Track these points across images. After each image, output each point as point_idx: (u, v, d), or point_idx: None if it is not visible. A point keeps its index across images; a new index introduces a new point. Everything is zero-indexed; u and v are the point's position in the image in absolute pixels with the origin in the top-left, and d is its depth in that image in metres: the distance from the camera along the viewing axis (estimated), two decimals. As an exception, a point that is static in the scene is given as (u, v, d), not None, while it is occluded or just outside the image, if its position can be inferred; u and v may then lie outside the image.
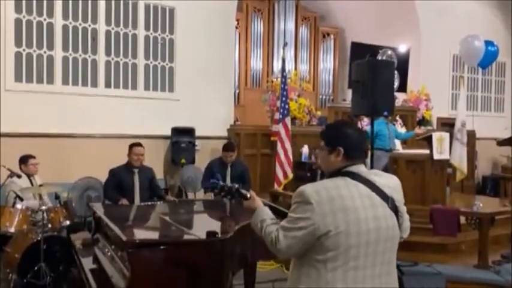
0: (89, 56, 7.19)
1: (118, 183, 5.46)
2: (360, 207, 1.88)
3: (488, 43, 8.82)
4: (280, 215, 2.27)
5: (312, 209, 1.86)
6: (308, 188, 1.91)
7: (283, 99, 7.19)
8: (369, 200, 1.92)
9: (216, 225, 4.14)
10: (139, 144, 5.57)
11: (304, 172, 7.49)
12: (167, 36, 7.84)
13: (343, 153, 1.99)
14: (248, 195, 2.28)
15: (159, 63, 7.79)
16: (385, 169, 6.68)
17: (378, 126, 6.32)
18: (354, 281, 1.86)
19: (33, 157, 5.74)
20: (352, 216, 1.86)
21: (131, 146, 5.56)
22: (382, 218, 1.92)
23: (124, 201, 5.18)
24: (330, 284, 1.85)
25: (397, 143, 7.75)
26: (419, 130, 7.77)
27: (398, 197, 2.03)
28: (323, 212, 1.85)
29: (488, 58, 8.93)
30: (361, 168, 2.00)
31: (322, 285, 1.86)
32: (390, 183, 2.03)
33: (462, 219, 5.54)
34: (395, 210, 1.97)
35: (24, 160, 5.68)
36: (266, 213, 2.15)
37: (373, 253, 1.89)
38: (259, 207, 2.20)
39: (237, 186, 2.37)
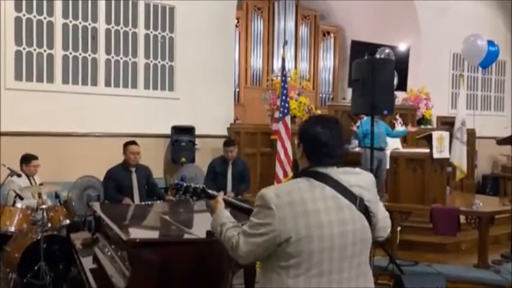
0: (89, 55, 7.18)
1: (116, 183, 5.46)
2: (323, 211, 1.79)
3: (488, 43, 8.81)
4: (244, 212, 2.22)
5: (272, 214, 1.78)
6: (269, 192, 1.83)
7: (283, 97, 7.17)
8: (334, 202, 1.82)
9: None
10: (135, 143, 5.58)
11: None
12: (167, 34, 7.83)
13: (304, 152, 1.91)
14: (213, 194, 2.23)
15: (159, 62, 7.78)
16: (378, 167, 6.71)
17: (367, 124, 6.34)
18: (317, 287, 1.79)
19: (36, 158, 5.70)
20: (314, 221, 1.77)
21: (126, 145, 5.56)
22: (349, 221, 1.82)
23: (127, 201, 5.18)
24: None
25: (397, 142, 7.76)
26: (411, 128, 7.78)
27: (370, 196, 1.91)
28: (283, 217, 1.77)
29: (489, 58, 8.92)
30: (328, 169, 1.88)
31: None
32: (361, 181, 1.92)
33: (462, 219, 5.54)
34: (365, 210, 1.87)
35: (26, 160, 5.65)
36: (226, 217, 2.09)
37: (339, 258, 1.81)
38: (219, 209, 2.15)
39: (202, 186, 2.30)
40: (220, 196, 2.24)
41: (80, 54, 7.10)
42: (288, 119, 7.20)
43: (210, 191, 2.26)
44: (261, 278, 1.94)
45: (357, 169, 2.02)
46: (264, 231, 1.80)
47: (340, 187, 1.85)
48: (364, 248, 1.89)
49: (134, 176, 5.51)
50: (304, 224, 1.77)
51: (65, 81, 7.01)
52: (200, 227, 3.69)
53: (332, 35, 11.73)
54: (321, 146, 1.88)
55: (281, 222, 1.77)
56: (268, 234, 1.79)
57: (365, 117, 6.98)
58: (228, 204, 2.27)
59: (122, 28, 7.43)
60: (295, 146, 2.02)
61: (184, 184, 2.30)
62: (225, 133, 8.19)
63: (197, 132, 7.71)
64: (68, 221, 5.24)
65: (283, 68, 7.39)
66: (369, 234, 1.90)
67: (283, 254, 1.79)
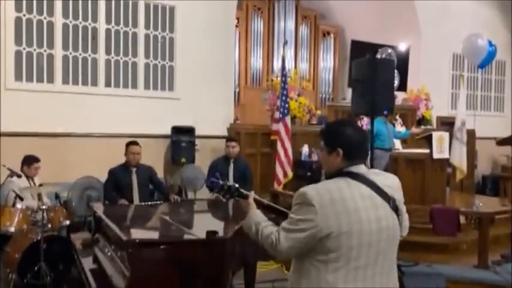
0: (89, 55, 7.18)
1: (116, 182, 5.47)
2: (362, 208, 1.90)
3: (487, 42, 8.82)
4: (280, 214, 2.26)
5: (314, 211, 1.86)
6: (310, 190, 1.92)
7: (283, 98, 7.20)
8: (371, 200, 1.93)
9: (216, 225, 4.14)
10: (136, 143, 5.61)
11: (305, 171, 7.49)
12: (167, 35, 7.83)
13: (342, 154, 2.00)
14: (246, 194, 2.27)
15: (159, 62, 7.78)
16: (386, 168, 6.70)
17: (377, 125, 6.32)
18: (354, 281, 1.87)
19: (38, 160, 5.67)
20: (355, 218, 1.87)
21: (127, 145, 5.59)
22: (384, 218, 1.93)
23: (123, 202, 5.18)
24: (331, 284, 1.86)
25: (397, 142, 7.75)
26: (416, 129, 7.79)
27: (399, 197, 2.05)
28: (325, 215, 1.86)
29: (488, 58, 8.93)
30: (361, 169, 2.00)
31: (322, 285, 1.87)
32: (391, 182, 2.05)
33: (462, 219, 5.53)
34: (396, 209, 1.99)
35: (28, 161, 5.60)
36: (260, 216, 2.15)
37: (374, 253, 1.91)
38: (252, 210, 2.20)
39: (237, 185, 2.35)
40: (251, 197, 2.27)
41: (80, 54, 7.10)
42: (288, 119, 7.22)
43: (243, 191, 2.29)
44: (295, 275, 1.99)
45: (385, 172, 2.18)
46: (305, 227, 1.88)
47: (374, 187, 1.96)
48: (394, 245, 2.00)
49: (134, 176, 5.51)
50: (346, 221, 1.86)
51: (65, 81, 7.01)
52: (200, 227, 3.70)
53: (332, 35, 11.73)
54: (358, 146, 2.02)
55: (323, 219, 1.85)
56: (309, 230, 1.87)
57: (378, 118, 6.92)
58: (260, 205, 2.29)
59: (122, 28, 7.42)
60: (324, 151, 2.05)
61: (220, 182, 2.32)
62: (225, 133, 8.19)
63: (197, 132, 7.70)
64: (68, 222, 5.23)
65: (283, 68, 7.40)
66: (398, 231, 2.01)
67: (322, 248, 1.87)
